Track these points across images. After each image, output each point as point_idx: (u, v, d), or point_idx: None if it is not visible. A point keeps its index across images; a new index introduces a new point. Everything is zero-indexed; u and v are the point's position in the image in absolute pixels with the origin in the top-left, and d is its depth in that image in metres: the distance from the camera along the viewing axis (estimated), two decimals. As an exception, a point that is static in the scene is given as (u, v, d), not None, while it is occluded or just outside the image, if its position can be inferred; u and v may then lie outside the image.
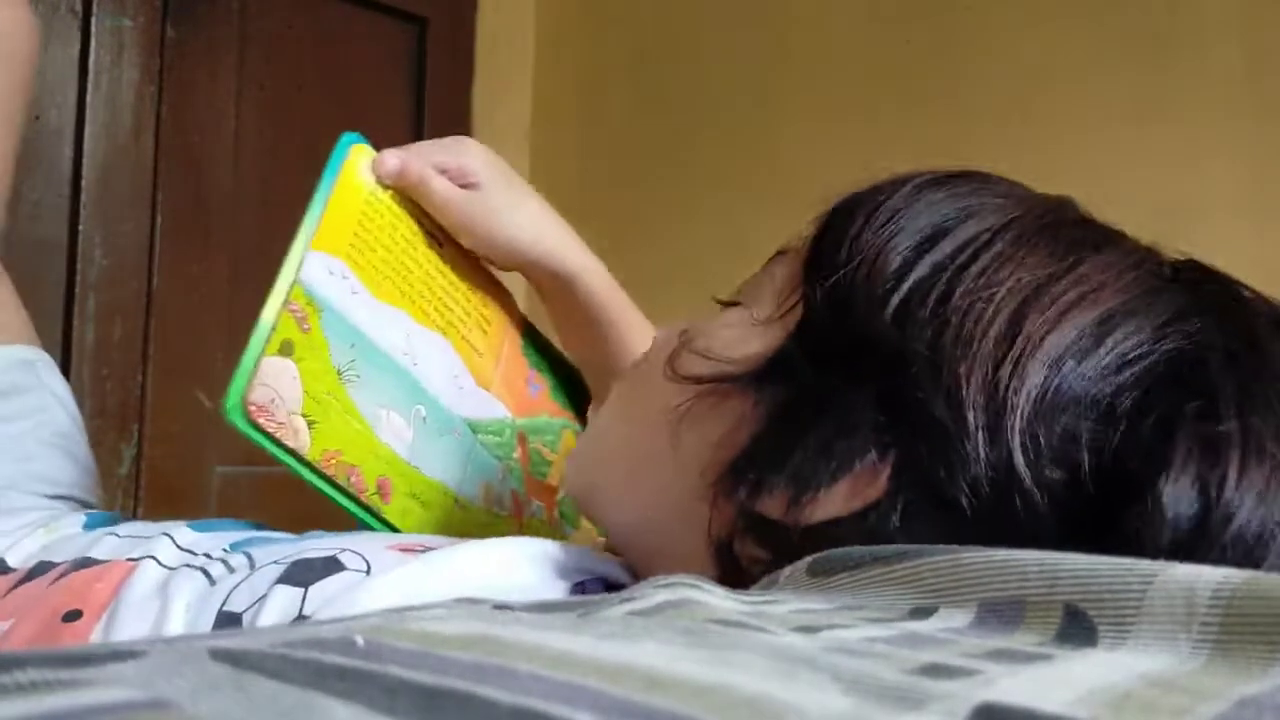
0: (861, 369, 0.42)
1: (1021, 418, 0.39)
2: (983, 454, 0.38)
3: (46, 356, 0.81)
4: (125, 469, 1.42)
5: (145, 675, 0.18)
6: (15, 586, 0.56)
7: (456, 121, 1.84)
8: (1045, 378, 0.39)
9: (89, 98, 1.43)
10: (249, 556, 0.52)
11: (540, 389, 0.76)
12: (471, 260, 0.72)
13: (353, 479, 0.60)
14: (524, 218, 0.71)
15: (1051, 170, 1.40)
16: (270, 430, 0.56)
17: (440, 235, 0.69)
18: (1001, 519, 0.38)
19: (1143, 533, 0.36)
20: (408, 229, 0.67)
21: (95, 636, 0.50)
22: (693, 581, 0.29)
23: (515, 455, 0.72)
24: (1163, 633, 0.25)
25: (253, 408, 0.55)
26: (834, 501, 0.41)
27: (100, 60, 1.44)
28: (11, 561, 0.59)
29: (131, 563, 0.54)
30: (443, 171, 0.68)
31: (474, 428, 0.68)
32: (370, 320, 0.63)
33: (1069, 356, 0.39)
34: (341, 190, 0.63)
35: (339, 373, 0.60)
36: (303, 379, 0.58)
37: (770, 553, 0.43)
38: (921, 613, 0.28)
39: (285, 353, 0.57)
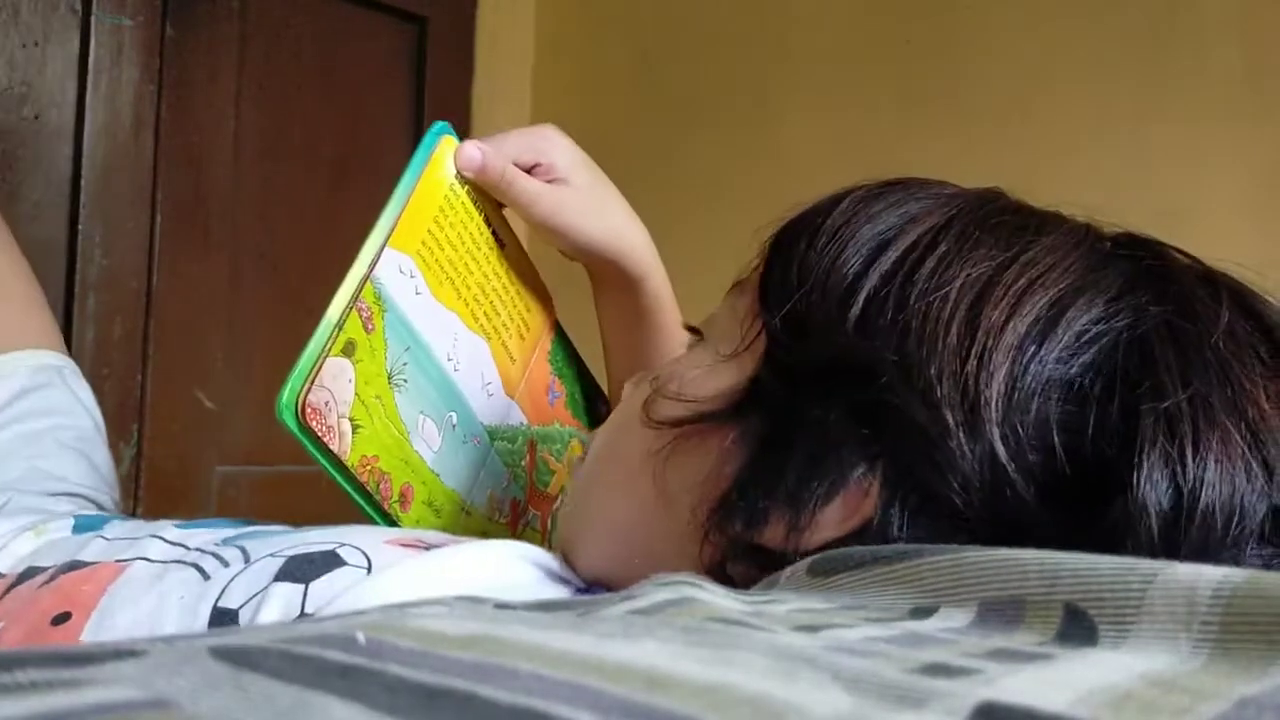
0: (833, 386, 0.42)
1: (996, 409, 0.39)
2: (966, 450, 0.39)
3: (73, 364, 0.82)
4: (125, 469, 1.42)
5: (145, 674, 0.18)
6: (5, 593, 0.56)
7: (456, 120, 1.84)
8: (1011, 366, 0.40)
9: (88, 97, 1.43)
10: (243, 550, 0.51)
11: (559, 397, 0.75)
12: (525, 262, 0.71)
13: (382, 487, 0.59)
14: (609, 216, 0.71)
15: (1051, 170, 1.40)
16: (320, 434, 0.54)
17: (504, 236, 0.68)
18: (997, 513, 0.39)
19: (1129, 526, 0.37)
20: (476, 228, 0.66)
21: (85, 637, 0.49)
22: (693, 580, 0.29)
23: (523, 463, 0.71)
24: (1163, 632, 0.25)
25: (309, 410, 0.54)
26: (830, 523, 0.41)
27: (100, 59, 1.44)
28: (1, 567, 0.59)
29: (121, 563, 0.53)
30: (528, 165, 0.67)
31: (491, 434, 0.67)
32: (426, 323, 0.61)
33: (1030, 342, 0.40)
34: (425, 184, 0.61)
35: (389, 376, 0.58)
36: (356, 382, 0.56)
37: (766, 573, 0.42)
38: (922, 612, 0.28)
39: (347, 353, 0.56)
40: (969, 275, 0.42)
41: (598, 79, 1.89)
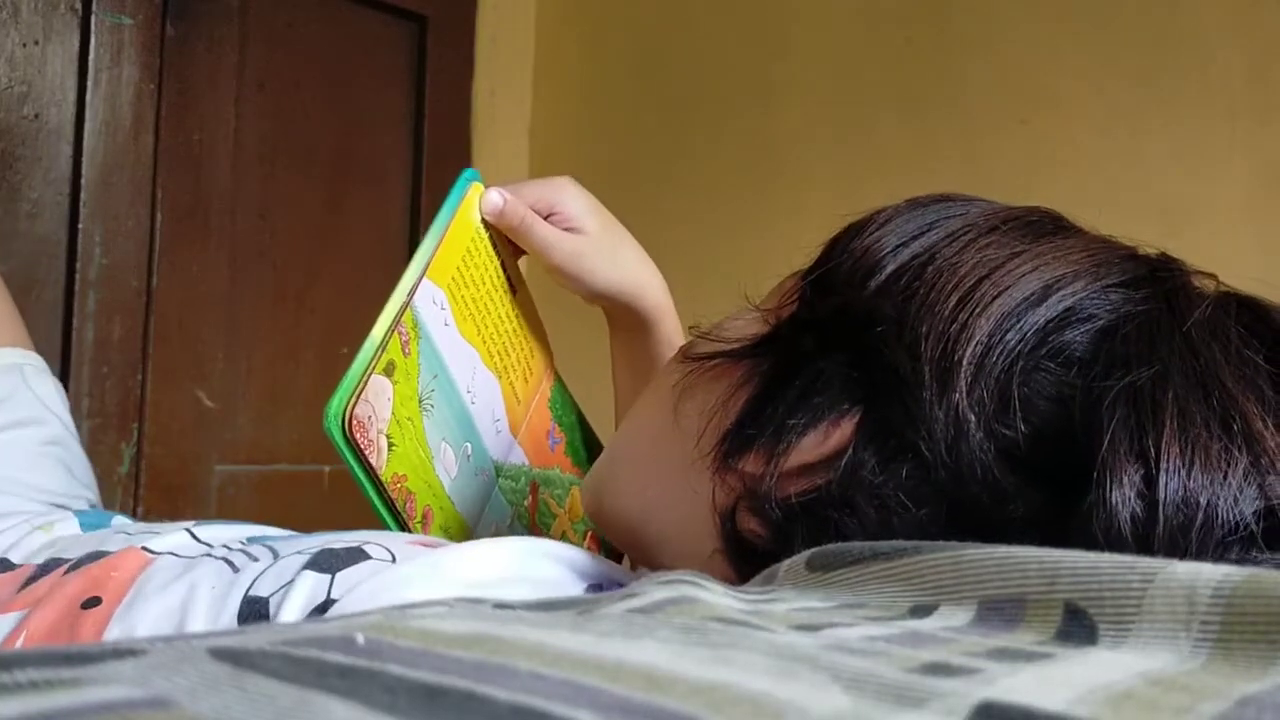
0: (838, 335, 0.45)
1: (968, 367, 0.41)
2: (935, 400, 0.41)
3: (36, 359, 0.80)
4: (125, 468, 1.42)
5: (145, 673, 0.18)
6: (27, 583, 0.56)
7: (456, 120, 1.84)
8: (990, 332, 0.42)
9: (88, 96, 1.43)
10: (272, 549, 0.53)
11: (559, 443, 0.77)
12: (532, 308, 0.74)
13: (408, 506, 0.60)
14: (622, 262, 0.74)
15: (1052, 170, 1.40)
16: (362, 446, 0.56)
17: (516, 281, 0.72)
18: (960, 472, 0.41)
19: (1101, 523, 0.38)
20: (495, 271, 0.70)
21: (114, 623, 0.50)
22: (693, 579, 0.29)
23: (526, 503, 0.73)
24: (1163, 631, 0.25)
25: (354, 422, 0.56)
26: (806, 448, 0.44)
27: (100, 58, 1.44)
28: (15, 559, 0.59)
29: (150, 555, 0.55)
30: (544, 213, 0.71)
31: (498, 470, 0.70)
32: (452, 355, 0.64)
33: (1013, 314, 0.42)
34: (457, 225, 0.65)
35: (420, 399, 0.61)
36: (394, 401, 0.59)
37: (764, 525, 0.45)
38: (922, 610, 0.28)
39: (388, 373, 0.58)
40: (982, 258, 0.44)
41: (598, 78, 1.89)
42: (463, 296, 0.65)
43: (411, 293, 0.60)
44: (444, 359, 0.63)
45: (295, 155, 1.63)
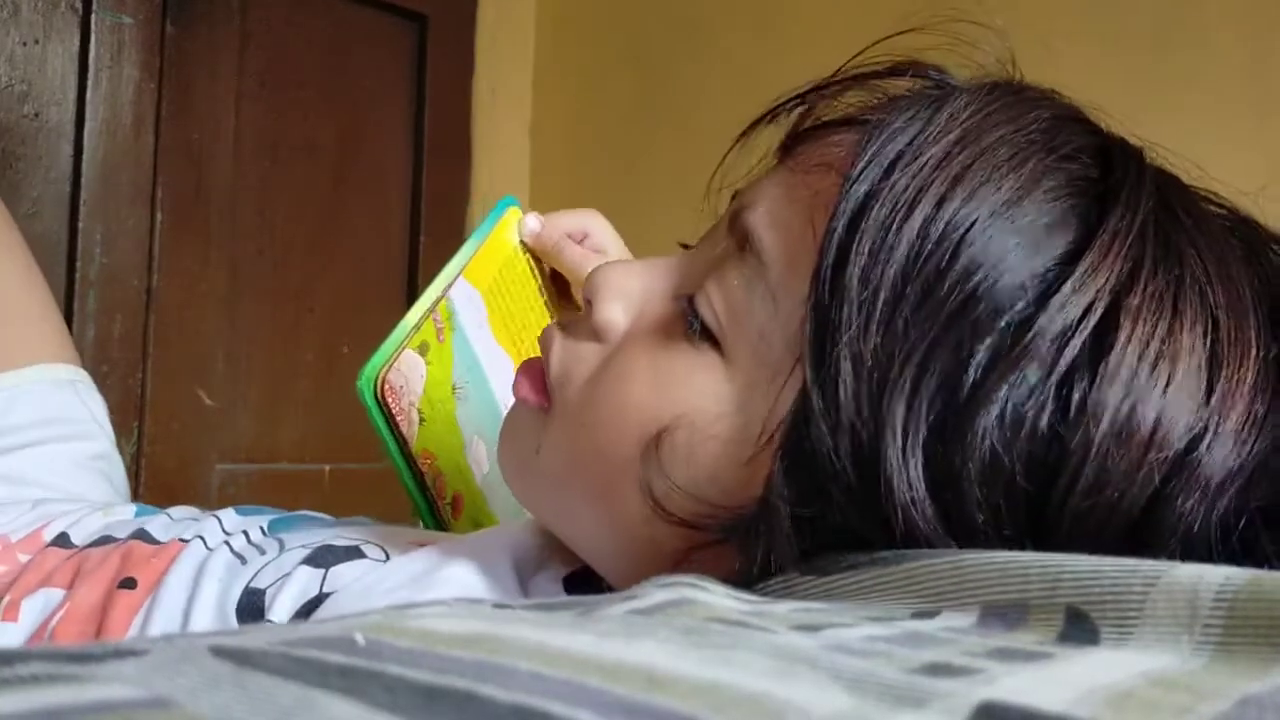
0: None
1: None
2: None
3: (85, 376, 0.83)
4: (126, 465, 1.42)
5: (146, 673, 0.18)
6: (76, 553, 0.60)
7: (457, 119, 1.84)
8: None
9: (89, 95, 1.43)
10: (280, 542, 0.56)
11: None
12: None
13: (438, 483, 0.64)
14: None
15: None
16: (393, 411, 0.60)
17: (552, 304, 0.76)
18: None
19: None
20: (532, 291, 0.74)
21: (143, 610, 0.53)
22: (693, 580, 0.29)
23: None
24: (1165, 634, 0.25)
25: (386, 386, 0.60)
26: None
27: (100, 57, 1.44)
28: (75, 539, 0.62)
29: (183, 542, 0.58)
30: (576, 239, 0.74)
31: None
32: (486, 354, 0.68)
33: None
34: (494, 239, 0.71)
35: (454, 387, 0.65)
36: (427, 380, 0.63)
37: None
38: (923, 615, 0.28)
39: (422, 352, 0.63)
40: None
41: (598, 78, 1.89)
42: (499, 305, 0.70)
43: (449, 286, 0.65)
44: (478, 355, 0.67)
45: (295, 154, 1.63)
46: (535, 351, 0.69)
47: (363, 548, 0.52)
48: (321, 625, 0.22)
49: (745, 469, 0.39)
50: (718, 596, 0.28)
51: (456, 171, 1.82)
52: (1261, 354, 0.37)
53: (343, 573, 0.50)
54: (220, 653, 0.20)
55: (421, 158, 1.77)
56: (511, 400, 0.67)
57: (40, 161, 1.40)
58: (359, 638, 0.21)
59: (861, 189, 0.38)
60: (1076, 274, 0.36)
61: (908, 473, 0.34)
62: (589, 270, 0.68)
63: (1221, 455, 0.35)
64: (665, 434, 0.41)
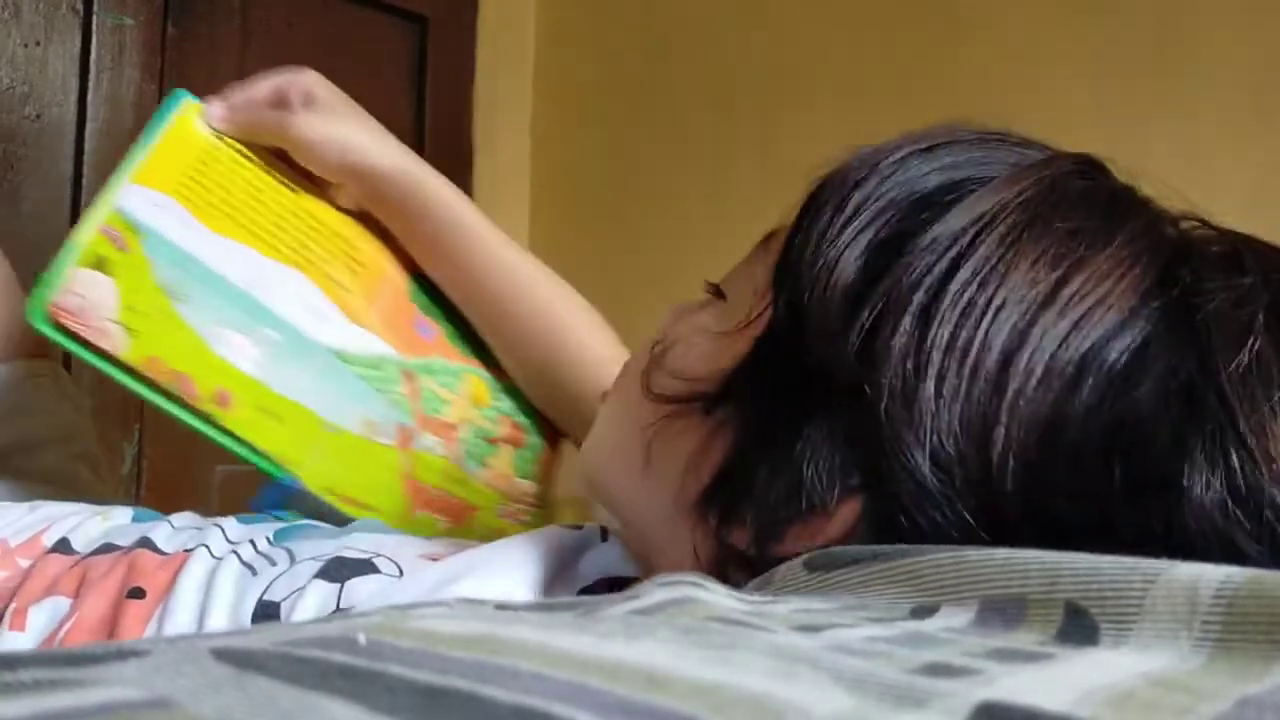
0: (819, 400, 0.39)
1: (1013, 478, 0.36)
2: (969, 514, 0.36)
3: (56, 367, 0.83)
4: (127, 468, 1.42)
5: (147, 674, 0.18)
6: (77, 563, 0.59)
7: (457, 120, 1.84)
8: (1039, 434, 0.36)
9: (90, 96, 1.43)
10: (289, 552, 0.55)
11: (434, 333, 0.76)
12: (337, 207, 0.75)
13: (183, 386, 0.63)
14: (361, 127, 0.73)
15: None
16: (77, 331, 0.60)
17: (294, 182, 0.73)
18: (988, 530, 0.37)
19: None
20: (252, 174, 0.71)
21: (154, 620, 0.53)
22: (695, 580, 0.29)
23: (401, 391, 0.72)
24: (1165, 632, 0.25)
25: (57, 310, 0.60)
26: (799, 538, 0.39)
27: (101, 58, 1.44)
28: (75, 544, 0.61)
29: (187, 552, 0.57)
30: (280, 100, 0.71)
31: (342, 358, 0.70)
32: (205, 248, 0.66)
33: (1057, 403, 0.36)
34: (171, 138, 0.68)
35: (164, 289, 0.64)
36: (120, 291, 0.62)
37: (755, 572, 0.40)
38: (923, 612, 0.28)
39: (99, 267, 0.62)
40: (1004, 306, 0.37)
41: (598, 78, 1.89)
42: (207, 200, 0.67)
43: (115, 198, 0.64)
44: (191, 253, 0.65)
45: (296, 155, 1.63)
46: (279, 234, 0.70)
47: (375, 561, 0.52)
48: (323, 625, 0.22)
49: (724, 350, 0.44)
50: (719, 596, 0.28)
51: (457, 172, 1.82)
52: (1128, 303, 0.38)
53: (358, 588, 0.50)
54: (221, 654, 0.20)
55: (422, 158, 1.78)
56: (263, 281, 0.67)
57: (41, 162, 1.40)
58: (361, 638, 0.21)
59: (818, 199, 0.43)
60: (957, 207, 0.39)
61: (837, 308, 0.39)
62: (293, 130, 0.69)
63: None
64: (667, 343, 0.48)
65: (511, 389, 0.78)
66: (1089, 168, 0.43)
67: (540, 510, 0.78)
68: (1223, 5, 1.24)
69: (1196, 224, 0.42)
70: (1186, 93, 1.26)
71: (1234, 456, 0.34)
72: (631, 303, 1.68)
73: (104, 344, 0.61)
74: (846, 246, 0.40)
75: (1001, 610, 0.28)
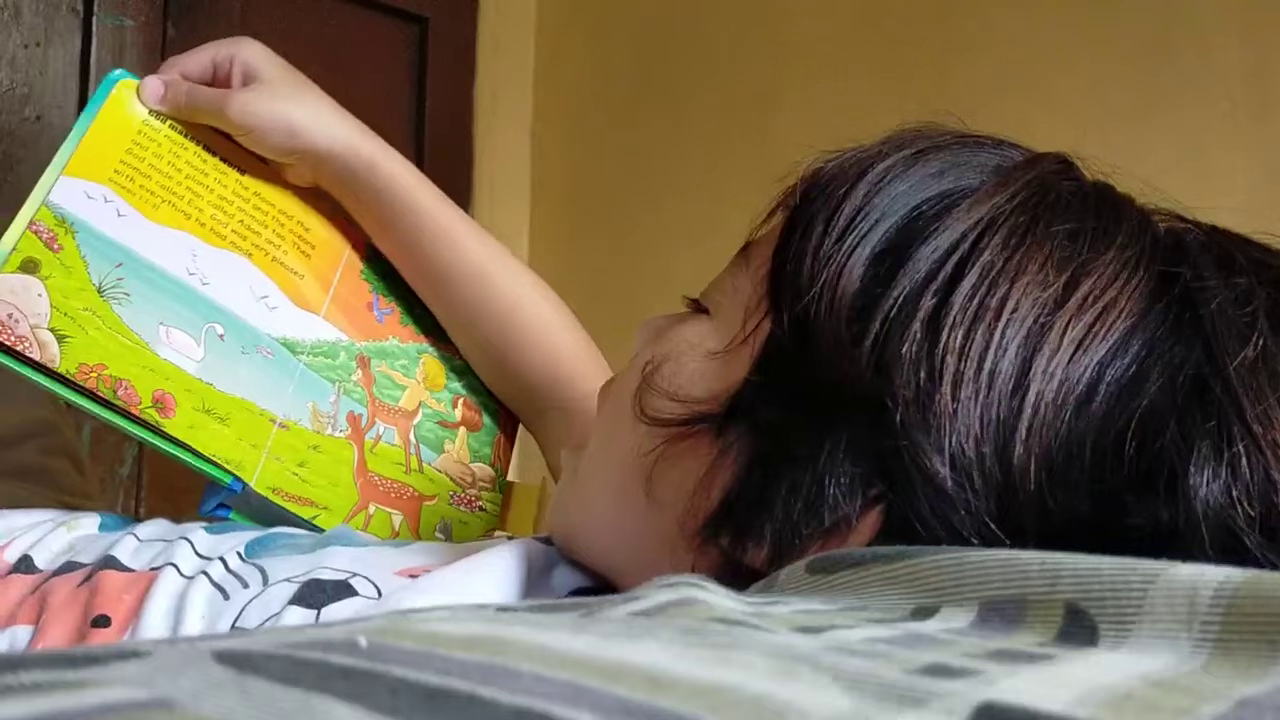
0: (834, 413, 0.39)
1: (1035, 480, 0.36)
2: (992, 520, 0.36)
3: None
4: (127, 469, 1.42)
5: (148, 675, 0.19)
6: (41, 584, 0.56)
7: (457, 121, 1.84)
8: (1059, 433, 0.36)
9: (90, 97, 1.43)
10: (262, 571, 0.53)
11: (389, 313, 0.75)
12: (285, 185, 0.72)
13: (121, 392, 0.60)
14: (308, 105, 0.69)
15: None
16: (9, 343, 0.57)
17: (239, 161, 0.70)
18: (1007, 535, 0.37)
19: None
20: (193, 155, 0.68)
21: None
22: (695, 581, 0.29)
23: (354, 378, 0.71)
24: (1164, 632, 0.25)
25: None
26: (819, 550, 0.38)
27: (101, 60, 1.44)
28: (38, 561, 0.59)
29: (154, 571, 0.54)
30: (221, 75, 0.68)
31: (292, 347, 0.68)
32: (143, 241, 0.63)
33: (1079, 404, 0.37)
34: (104, 122, 0.65)
35: (100, 290, 0.61)
36: (51, 295, 0.59)
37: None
38: (923, 612, 0.28)
39: (28, 270, 0.59)
40: (1016, 309, 0.37)
41: (599, 80, 1.89)
42: (144, 187, 0.65)
43: (47, 193, 0.61)
44: (128, 248, 0.63)
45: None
46: (222, 218, 0.67)
47: (352, 583, 0.50)
48: (325, 629, 0.22)
49: (722, 369, 0.44)
50: (719, 597, 0.28)
51: (457, 173, 1.83)
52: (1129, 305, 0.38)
53: (335, 613, 0.48)
54: (223, 656, 0.20)
55: (422, 160, 1.77)
56: (207, 272, 0.65)
57: (42, 165, 1.40)
58: (362, 640, 0.21)
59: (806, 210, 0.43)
60: (952, 214, 0.39)
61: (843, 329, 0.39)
62: (233, 113, 0.65)
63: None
64: (656, 363, 0.46)
65: (465, 368, 0.77)
66: (1067, 166, 0.44)
67: (495, 494, 0.76)
68: (1221, 5, 1.24)
69: (1172, 218, 0.44)
70: (1186, 95, 1.26)
71: (1239, 445, 0.35)
72: (631, 302, 1.68)
73: (34, 354, 0.58)
74: (847, 258, 0.40)
75: (1001, 611, 0.28)
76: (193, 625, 0.50)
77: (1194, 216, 0.45)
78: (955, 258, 0.38)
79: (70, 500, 0.75)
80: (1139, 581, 0.27)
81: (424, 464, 0.73)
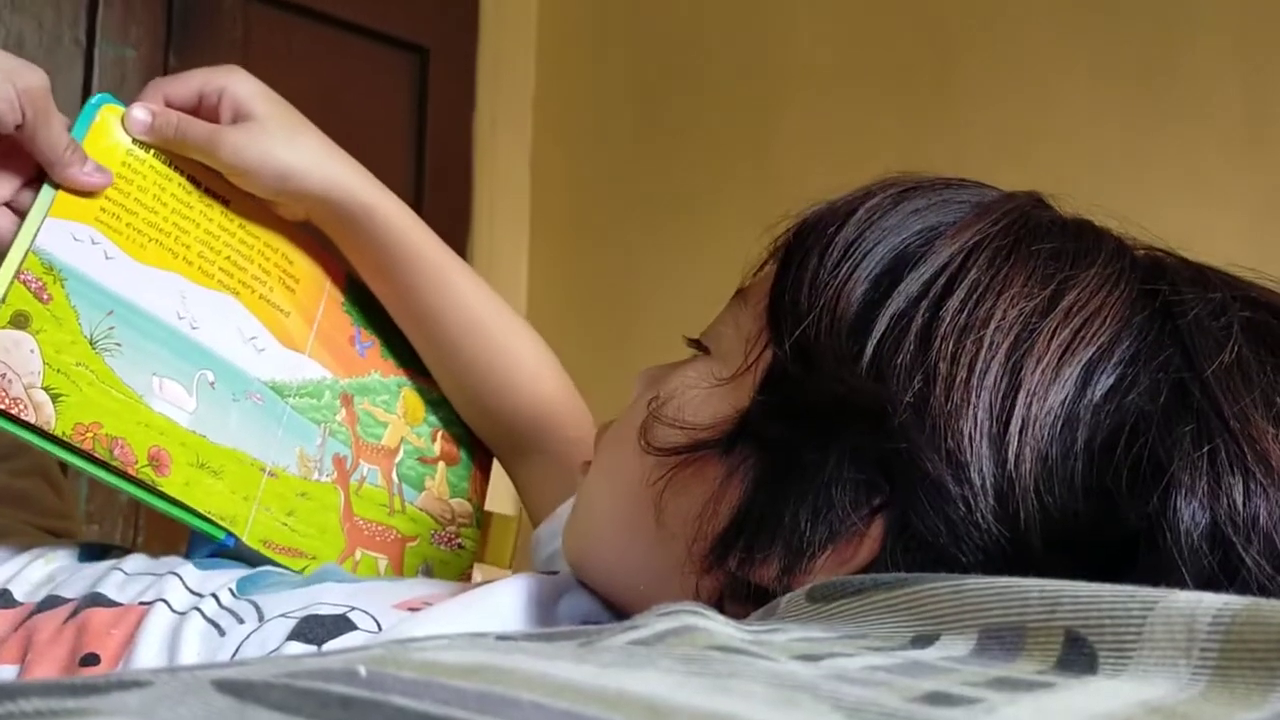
0: (838, 426, 0.40)
1: (1031, 476, 0.38)
2: (991, 517, 0.38)
3: None
4: (126, 495, 1.41)
5: (149, 705, 0.19)
6: (24, 620, 0.55)
7: (457, 151, 1.85)
8: (1051, 431, 0.38)
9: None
10: (256, 607, 0.52)
11: (370, 346, 0.73)
12: (270, 216, 0.69)
13: (117, 452, 0.58)
14: (302, 146, 0.66)
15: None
16: (1, 405, 0.54)
17: (224, 192, 0.67)
18: (1001, 561, 0.38)
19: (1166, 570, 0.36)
20: (178, 187, 0.65)
21: None
22: (695, 609, 0.29)
23: (339, 418, 0.69)
24: (1163, 659, 0.25)
25: None
26: (827, 567, 0.40)
27: (103, 89, 1.45)
28: (17, 594, 0.58)
29: (144, 606, 0.54)
30: (209, 106, 0.65)
31: (280, 391, 0.66)
32: (132, 285, 0.61)
33: (1069, 405, 0.39)
34: (88, 152, 0.61)
35: (92, 342, 0.58)
36: (43, 350, 0.56)
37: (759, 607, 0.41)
38: (923, 640, 0.28)
39: (18, 325, 0.56)
40: (1004, 317, 0.40)
41: (598, 109, 1.90)
42: (130, 224, 0.62)
43: (34, 238, 0.57)
44: (118, 293, 0.60)
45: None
46: (209, 255, 0.64)
47: (350, 617, 0.50)
48: (324, 658, 0.22)
49: (727, 397, 0.45)
50: (718, 625, 0.28)
51: (457, 202, 1.83)
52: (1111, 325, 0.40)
53: (336, 647, 0.48)
54: (223, 685, 0.20)
55: (422, 189, 1.78)
56: (196, 315, 0.62)
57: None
58: (361, 669, 0.21)
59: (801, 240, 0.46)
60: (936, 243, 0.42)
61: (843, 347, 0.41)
62: (224, 153, 0.63)
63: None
64: (662, 399, 0.48)
65: (442, 400, 0.76)
66: (1043, 202, 0.47)
67: (473, 530, 0.76)
68: (1220, 34, 1.25)
69: (1148, 248, 0.46)
70: (1185, 122, 1.26)
71: (1219, 440, 0.37)
72: (630, 328, 1.69)
73: (29, 417, 0.55)
74: (844, 284, 0.42)
75: (1001, 638, 0.28)
76: (188, 661, 0.49)
77: (1189, 241, 0.48)
78: (944, 278, 0.41)
79: (47, 522, 0.74)
80: (1138, 608, 0.27)
81: (406, 504, 0.72)
